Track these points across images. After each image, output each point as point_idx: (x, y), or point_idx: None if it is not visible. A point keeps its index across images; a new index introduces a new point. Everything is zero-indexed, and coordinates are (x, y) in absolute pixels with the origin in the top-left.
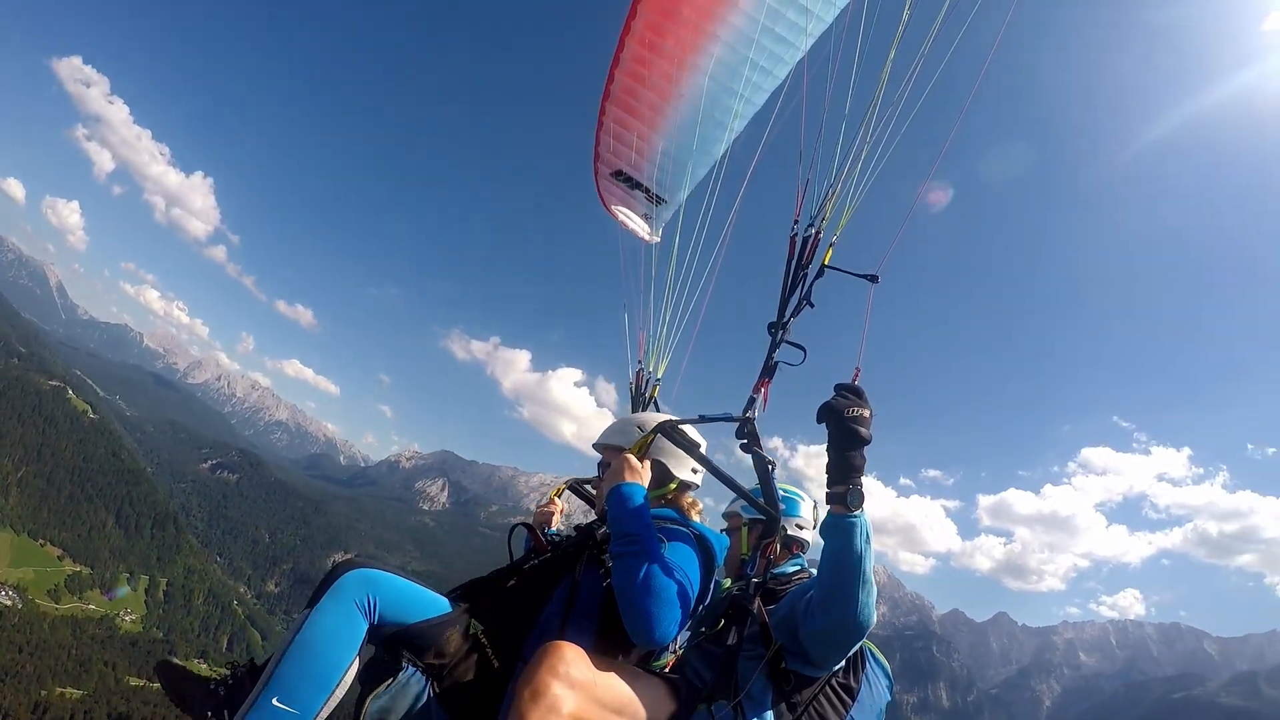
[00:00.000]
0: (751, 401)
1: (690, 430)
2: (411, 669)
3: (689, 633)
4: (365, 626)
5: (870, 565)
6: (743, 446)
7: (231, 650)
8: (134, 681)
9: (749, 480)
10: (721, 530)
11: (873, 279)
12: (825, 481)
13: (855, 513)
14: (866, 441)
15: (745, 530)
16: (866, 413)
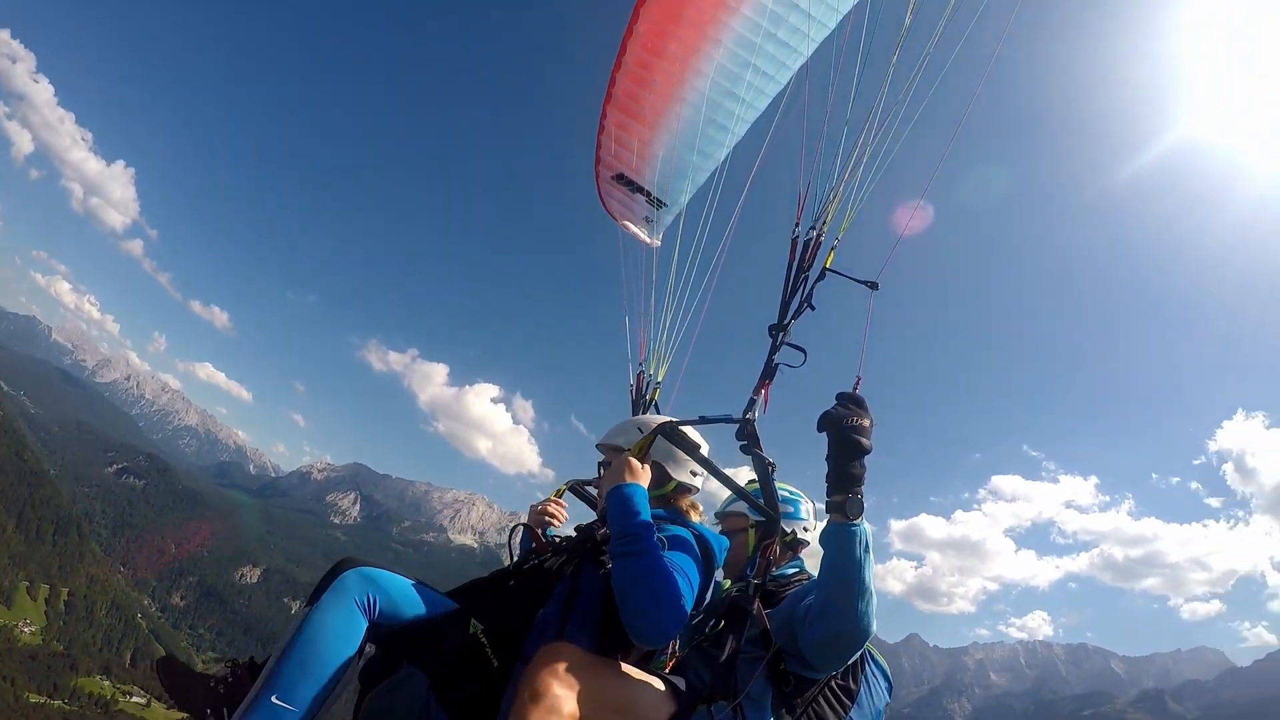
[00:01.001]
0: (752, 403)
1: (691, 432)
2: (411, 668)
3: (689, 633)
4: (365, 625)
5: (870, 574)
6: (742, 448)
7: (135, 666)
8: (34, 698)
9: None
10: (719, 531)
11: (873, 286)
12: (825, 490)
13: (855, 521)
14: (867, 451)
15: (752, 532)
16: (867, 422)
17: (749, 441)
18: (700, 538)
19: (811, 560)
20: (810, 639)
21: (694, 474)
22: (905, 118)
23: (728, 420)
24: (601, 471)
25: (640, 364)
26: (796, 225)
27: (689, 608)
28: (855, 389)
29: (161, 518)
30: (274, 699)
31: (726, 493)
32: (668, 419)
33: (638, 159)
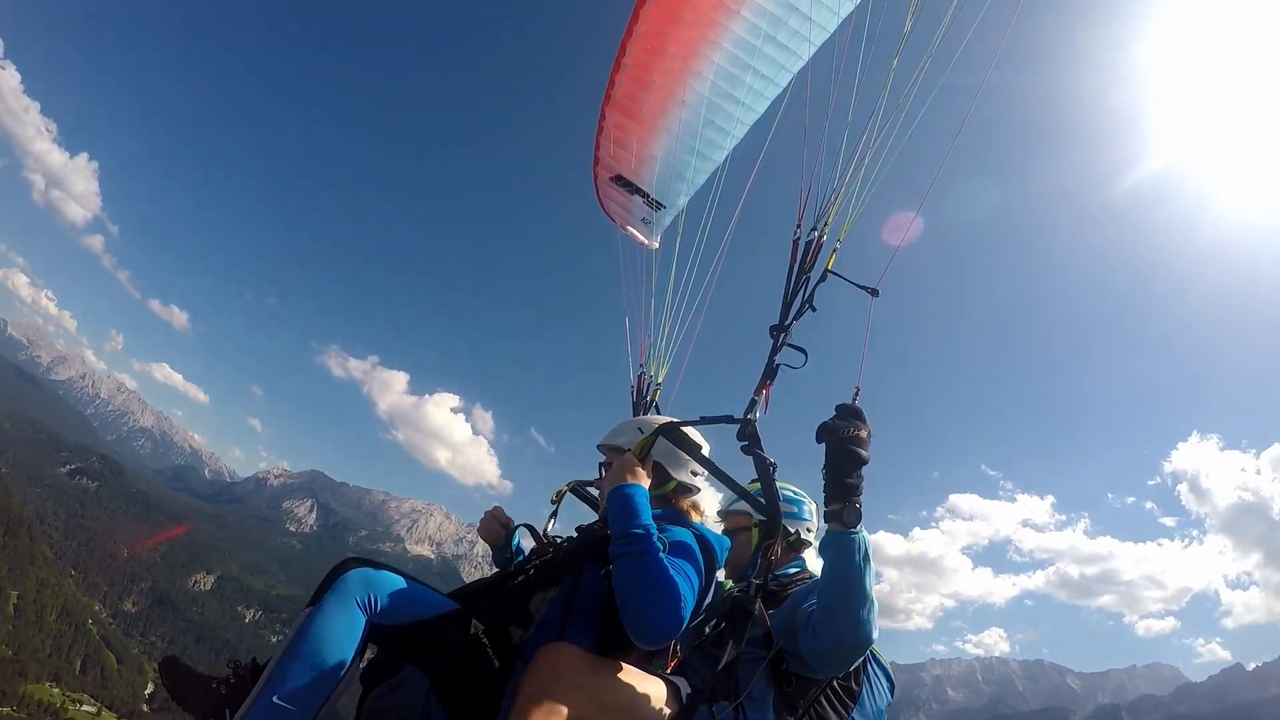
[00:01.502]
0: (753, 404)
1: (692, 432)
2: (412, 668)
3: (690, 634)
4: (366, 625)
5: (870, 582)
6: (743, 448)
7: (85, 674)
8: None
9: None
10: (722, 531)
11: (873, 292)
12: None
13: (853, 529)
14: (864, 462)
15: (755, 530)
16: (864, 433)
17: (750, 442)
18: (702, 538)
19: (816, 563)
20: (813, 647)
21: (695, 474)
22: (905, 123)
23: (729, 421)
24: (602, 472)
25: (641, 365)
26: (798, 226)
27: (690, 608)
28: (855, 400)
29: (114, 521)
30: (275, 699)
31: (727, 492)
32: (669, 419)
33: (636, 160)
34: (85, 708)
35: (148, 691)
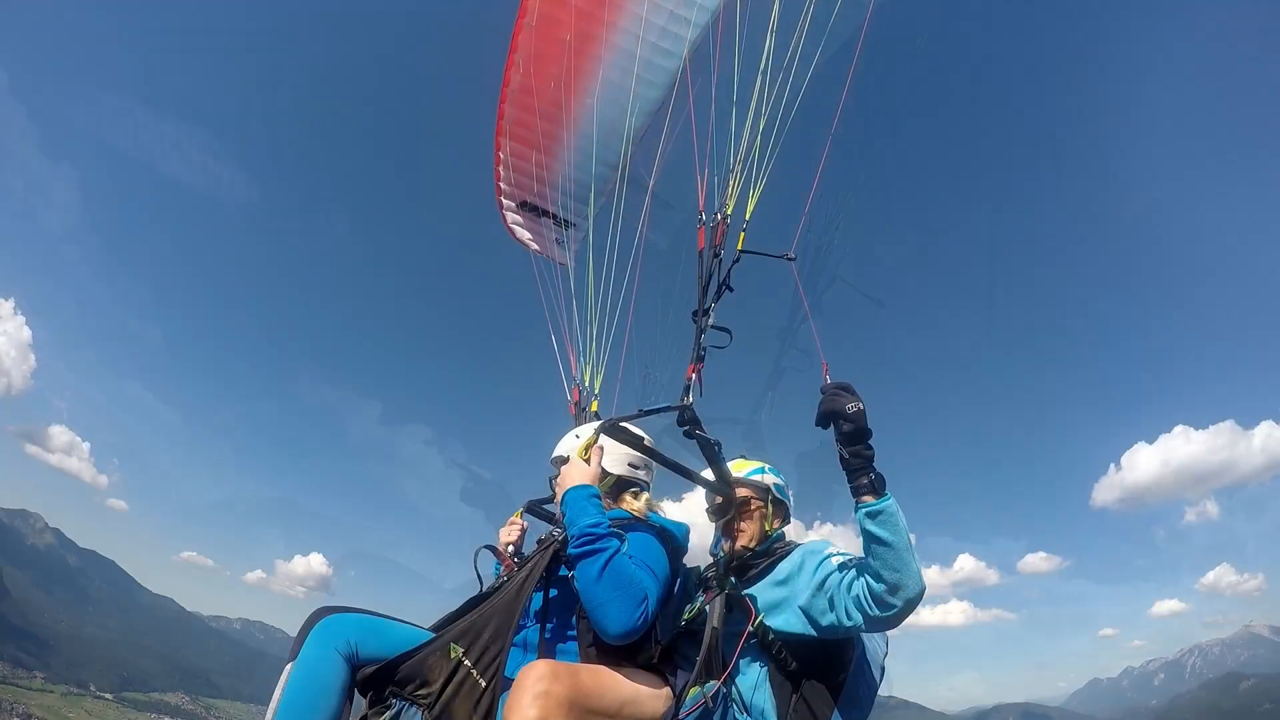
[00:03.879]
0: (687, 388)
1: (633, 427)
2: (400, 703)
3: (671, 620)
4: (348, 669)
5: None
6: (685, 433)
7: None
8: None
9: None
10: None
11: (789, 259)
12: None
13: (886, 495)
14: (870, 433)
15: (770, 510)
16: (861, 406)
17: (691, 425)
18: (661, 530)
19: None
20: (883, 615)
21: (642, 466)
22: (793, 91)
23: (668, 409)
24: (553, 485)
25: (574, 378)
26: (701, 211)
27: (655, 601)
28: (825, 375)
29: None
30: None
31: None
32: (608, 419)
33: (538, 184)
34: None
35: None
